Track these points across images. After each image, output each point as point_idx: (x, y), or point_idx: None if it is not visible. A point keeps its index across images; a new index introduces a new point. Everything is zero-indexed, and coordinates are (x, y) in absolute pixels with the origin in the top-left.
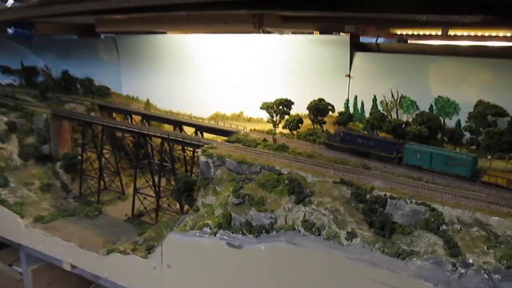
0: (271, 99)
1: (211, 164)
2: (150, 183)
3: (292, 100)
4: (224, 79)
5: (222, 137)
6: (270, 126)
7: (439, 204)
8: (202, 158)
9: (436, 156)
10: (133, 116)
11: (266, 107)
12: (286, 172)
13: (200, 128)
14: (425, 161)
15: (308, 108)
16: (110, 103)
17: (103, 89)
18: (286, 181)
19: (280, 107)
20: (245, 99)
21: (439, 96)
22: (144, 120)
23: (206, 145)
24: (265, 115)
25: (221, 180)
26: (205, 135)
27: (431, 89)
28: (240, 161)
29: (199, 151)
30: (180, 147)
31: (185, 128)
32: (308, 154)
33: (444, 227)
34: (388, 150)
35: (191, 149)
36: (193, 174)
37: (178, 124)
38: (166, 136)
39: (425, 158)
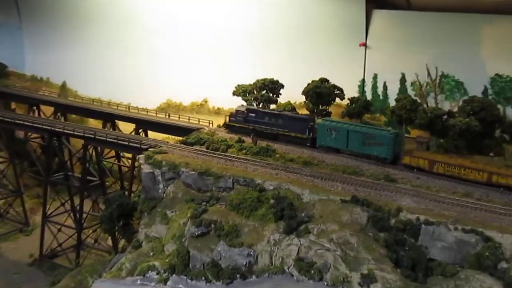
0: (249, 80)
1: (159, 177)
2: (68, 207)
3: (281, 82)
4: (180, 53)
5: (176, 137)
6: None
7: (496, 230)
8: (146, 169)
9: (353, 134)
10: (42, 107)
11: (242, 91)
12: (271, 187)
13: (143, 124)
14: (342, 141)
15: (304, 93)
16: (7, 87)
17: None
18: (272, 201)
19: (264, 91)
20: (212, 81)
21: (496, 75)
22: (59, 113)
23: (151, 149)
24: (240, 103)
25: (174, 201)
26: (151, 134)
27: (485, 63)
28: (202, 171)
29: (141, 157)
30: (113, 152)
31: (121, 124)
32: (304, 161)
33: (503, 264)
34: (300, 129)
35: (129, 155)
36: (132, 193)
37: (110, 118)
38: (92, 136)
39: (341, 138)
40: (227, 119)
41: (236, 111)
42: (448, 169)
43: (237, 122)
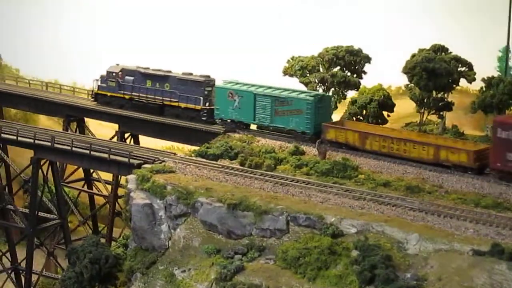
0: (311, 50)
1: (162, 213)
2: (7, 263)
3: (366, 52)
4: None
5: (188, 146)
6: None
7: None
8: (139, 198)
9: (261, 99)
10: None
11: (300, 68)
12: (353, 231)
13: (132, 124)
14: (247, 111)
15: (407, 70)
16: None
17: None
18: (355, 253)
19: (336, 69)
20: (244, 53)
21: None
22: None
23: (147, 166)
24: (294, 87)
25: (188, 253)
26: (145, 140)
27: None
28: (235, 203)
29: (131, 179)
30: (80, 172)
31: (93, 124)
32: (407, 185)
33: None
34: (193, 98)
35: (108, 175)
36: (114, 241)
37: (75, 113)
38: (47, 144)
39: (247, 106)
40: (96, 86)
41: (107, 73)
42: (384, 144)
43: (108, 90)
